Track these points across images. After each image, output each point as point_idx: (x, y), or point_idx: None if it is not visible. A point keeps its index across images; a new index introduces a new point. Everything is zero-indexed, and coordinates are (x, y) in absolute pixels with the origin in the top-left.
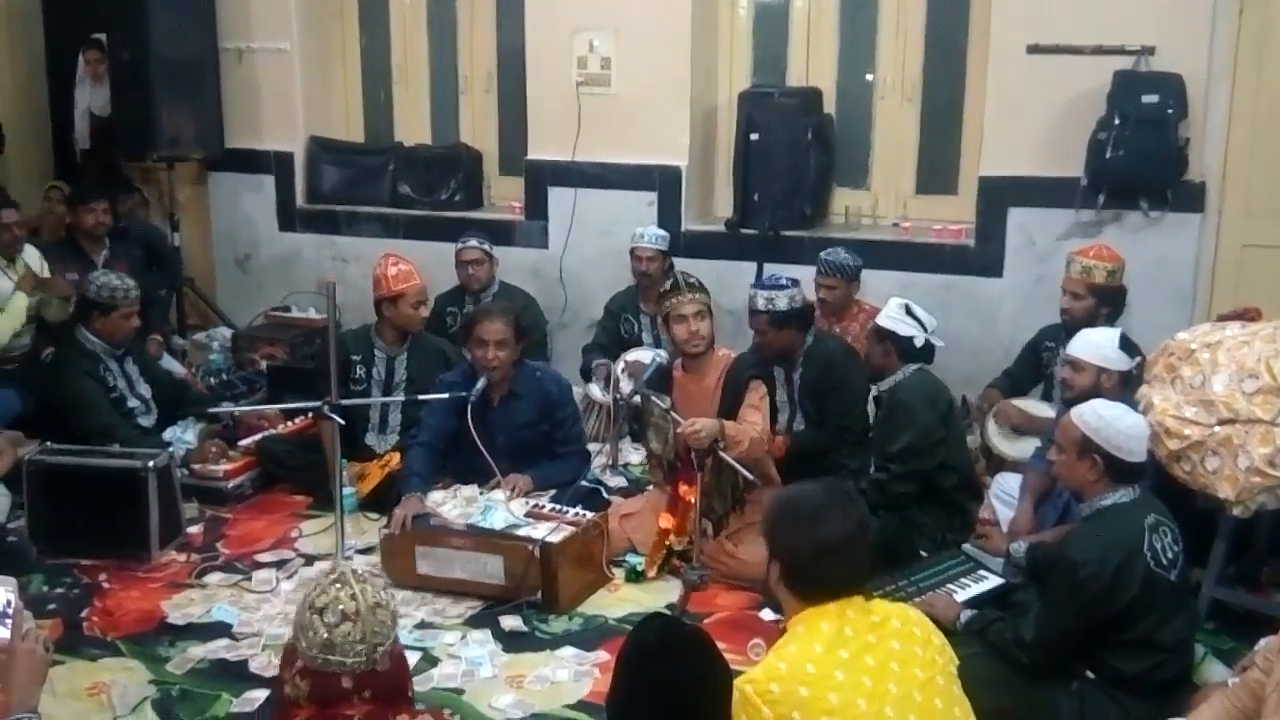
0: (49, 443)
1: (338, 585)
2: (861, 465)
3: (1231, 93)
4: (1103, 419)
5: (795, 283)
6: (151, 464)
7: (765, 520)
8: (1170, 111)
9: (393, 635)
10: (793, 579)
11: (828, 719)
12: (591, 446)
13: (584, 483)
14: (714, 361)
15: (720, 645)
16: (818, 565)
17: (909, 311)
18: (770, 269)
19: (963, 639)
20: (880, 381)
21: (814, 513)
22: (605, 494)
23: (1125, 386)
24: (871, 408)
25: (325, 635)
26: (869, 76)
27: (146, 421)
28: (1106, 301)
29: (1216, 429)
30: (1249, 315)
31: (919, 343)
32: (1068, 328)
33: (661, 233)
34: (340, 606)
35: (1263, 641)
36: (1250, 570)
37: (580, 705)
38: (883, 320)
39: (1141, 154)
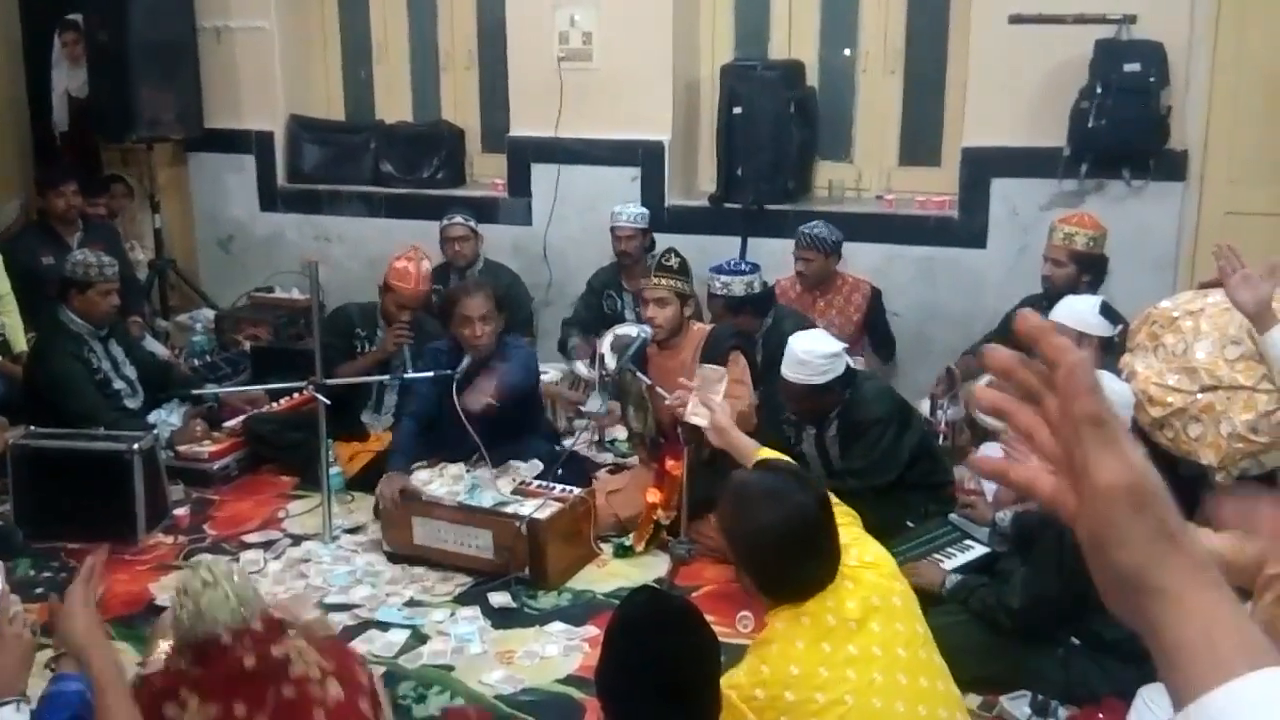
0: (33, 427)
1: (191, 568)
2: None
3: (1213, 60)
4: None
5: (755, 268)
6: (136, 446)
7: (722, 528)
8: (1152, 80)
9: (257, 603)
10: (763, 584)
11: (815, 719)
12: (578, 423)
13: (565, 446)
14: (690, 336)
15: (708, 618)
16: (785, 563)
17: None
18: (754, 244)
19: (948, 606)
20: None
21: (769, 504)
22: (592, 470)
23: (1106, 354)
24: None
25: (193, 607)
26: (851, 50)
27: (132, 404)
28: (1088, 269)
29: (1199, 396)
30: None
31: (850, 364)
32: (1049, 295)
33: (640, 211)
34: (197, 581)
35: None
36: None
37: (570, 680)
38: (816, 379)
39: (1124, 123)
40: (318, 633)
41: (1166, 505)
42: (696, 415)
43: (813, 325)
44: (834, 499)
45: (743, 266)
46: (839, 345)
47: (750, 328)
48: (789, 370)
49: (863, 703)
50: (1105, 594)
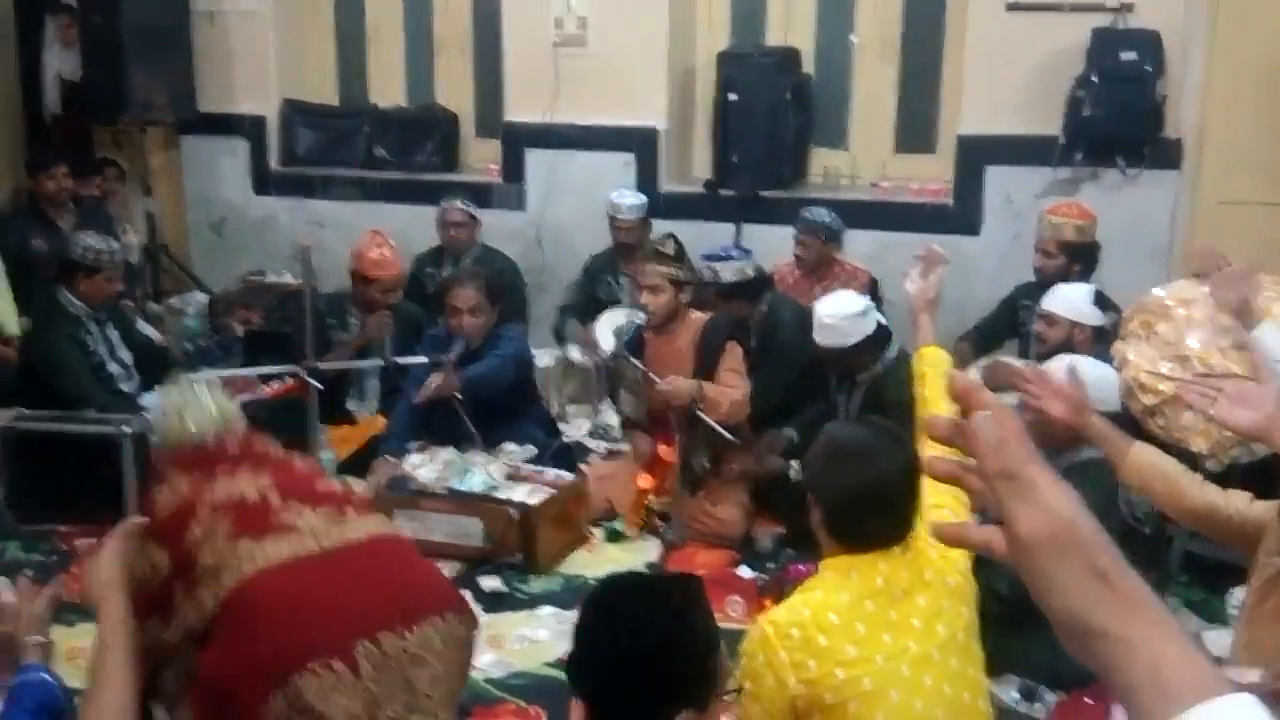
0: (22, 409)
1: (168, 389)
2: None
3: (1208, 50)
4: (1070, 372)
5: (746, 254)
6: (127, 429)
7: (808, 460)
8: (1148, 69)
9: (237, 414)
10: (833, 526)
11: (842, 670)
12: (571, 409)
13: (562, 440)
14: (686, 324)
15: None
16: (862, 513)
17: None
18: (748, 230)
19: None
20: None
21: (860, 455)
22: (587, 456)
23: (1099, 342)
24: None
25: (178, 425)
26: (849, 36)
27: (128, 387)
28: (1078, 258)
29: None
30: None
31: (881, 322)
32: (1041, 285)
33: (639, 201)
34: (177, 400)
35: None
36: None
37: (560, 663)
38: (843, 341)
39: (1119, 111)
40: None
41: (1095, 547)
42: (910, 282)
43: (808, 315)
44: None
45: (733, 253)
46: (863, 303)
47: (744, 314)
48: (817, 337)
49: (893, 667)
50: (1060, 638)
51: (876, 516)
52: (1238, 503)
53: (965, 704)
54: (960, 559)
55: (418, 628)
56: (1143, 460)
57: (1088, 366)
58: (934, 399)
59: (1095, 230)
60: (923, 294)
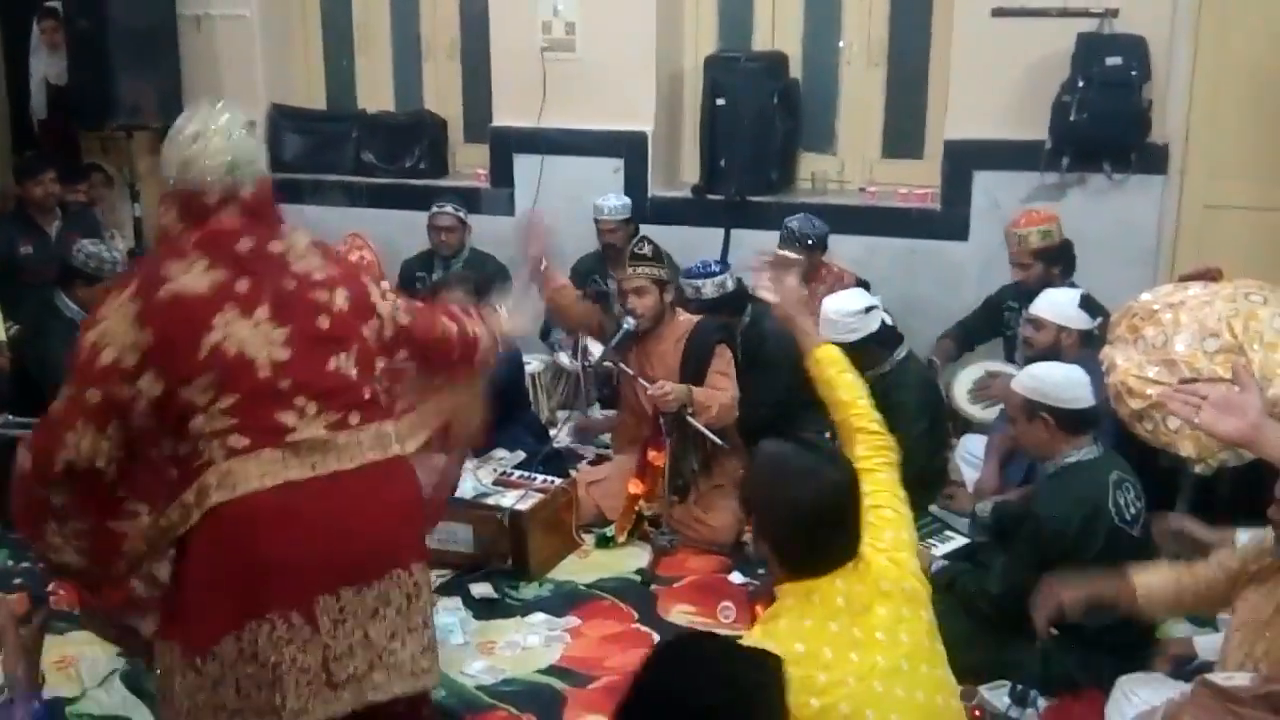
0: (9, 416)
1: (190, 112)
2: (822, 430)
3: (1194, 55)
4: (1037, 377)
5: (726, 267)
6: None
7: (745, 489)
8: (1134, 74)
9: (255, 161)
10: (786, 553)
11: (816, 699)
12: (560, 414)
13: (552, 446)
14: (673, 325)
15: (690, 608)
16: (810, 538)
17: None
18: (736, 235)
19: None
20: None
21: (800, 479)
22: (576, 462)
23: (1086, 346)
24: None
25: (180, 154)
26: (836, 41)
27: None
28: (1054, 261)
29: None
30: (1210, 275)
31: (887, 323)
32: (1026, 294)
33: (622, 203)
34: (190, 129)
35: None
36: (1211, 525)
37: (551, 670)
38: (849, 336)
39: (1105, 116)
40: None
41: None
42: (764, 290)
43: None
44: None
45: (714, 268)
46: (869, 301)
47: (731, 324)
48: (823, 332)
49: (865, 686)
50: None
51: (828, 535)
52: (1223, 558)
53: (939, 707)
54: (912, 561)
55: (379, 583)
56: (1150, 592)
57: (1050, 369)
58: (850, 400)
59: (1061, 229)
60: (786, 299)
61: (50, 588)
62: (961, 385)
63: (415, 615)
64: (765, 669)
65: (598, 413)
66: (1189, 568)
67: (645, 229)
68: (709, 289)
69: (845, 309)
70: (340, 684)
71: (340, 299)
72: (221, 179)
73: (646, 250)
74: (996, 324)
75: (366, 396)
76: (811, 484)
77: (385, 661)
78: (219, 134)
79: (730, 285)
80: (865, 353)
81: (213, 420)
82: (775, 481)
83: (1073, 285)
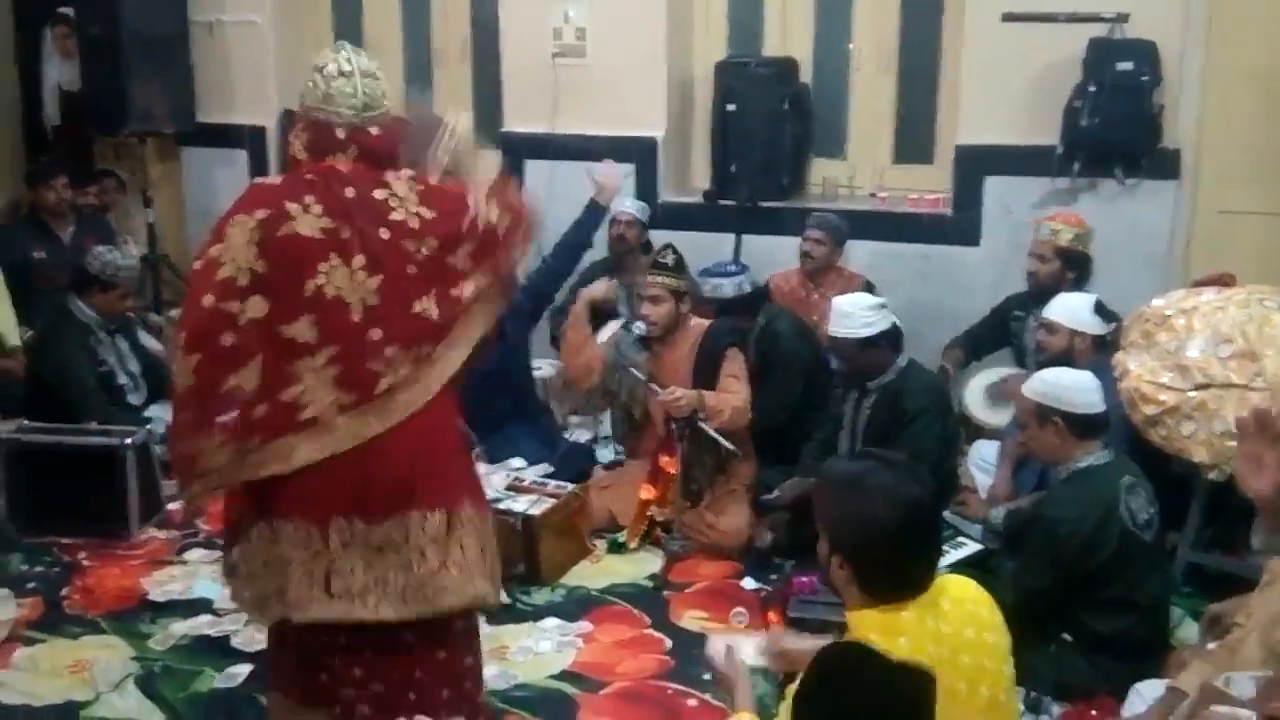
0: (24, 421)
1: (335, 50)
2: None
3: (1205, 59)
4: (1047, 382)
5: (744, 269)
6: (129, 441)
7: (825, 516)
8: (1145, 79)
9: (384, 105)
10: (867, 581)
11: None
12: (574, 419)
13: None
14: (686, 332)
15: (702, 614)
16: (897, 562)
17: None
18: (747, 240)
19: None
20: (869, 380)
21: (886, 499)
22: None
23: (1099, 351)
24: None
25: (323, 88)
26: (846, 46)
27: (135, 399)
28: (1072, 266)
29: (1192, 394)
30: (1224, 281)
31: (897, 324)
32: (1033, 293)
33: (641, 204)
34: (335, 66)
35: (1235, 600)
36: (1225, 533)
37: (564, 675)
38: (861, 330)
39: (1116, 121)
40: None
41: None
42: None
43: (806, 325)
44: None
45: (731, 268)
46: (881, 299)
47: (743, 328)
48: (836, 327)
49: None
50: None
51: (913, 560)
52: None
53: None
54: (995, 615)
55: (388, 522)
56: None
57: (1060, 373)
58: None
59: (1090, 243)
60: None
61: (64, 592)
62: (973, 391)
63: (416, 552)
64: (924, 677)
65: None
66: (1227, 649)
67: (656, 234)
68: (728, 288)
69: (860, 303)
70: (337, 595)
71: (427, 248)
72: (353, 119)
73: (669, 260)
74: (1003, 333)
75: (440, 323)
76: (897, 499)
77: (379, 588)
78: (359, 75)
79: (747, 287)
80: (877, 351)
81: (318, 371)
82: (857, 498)
83: (1086, 291)
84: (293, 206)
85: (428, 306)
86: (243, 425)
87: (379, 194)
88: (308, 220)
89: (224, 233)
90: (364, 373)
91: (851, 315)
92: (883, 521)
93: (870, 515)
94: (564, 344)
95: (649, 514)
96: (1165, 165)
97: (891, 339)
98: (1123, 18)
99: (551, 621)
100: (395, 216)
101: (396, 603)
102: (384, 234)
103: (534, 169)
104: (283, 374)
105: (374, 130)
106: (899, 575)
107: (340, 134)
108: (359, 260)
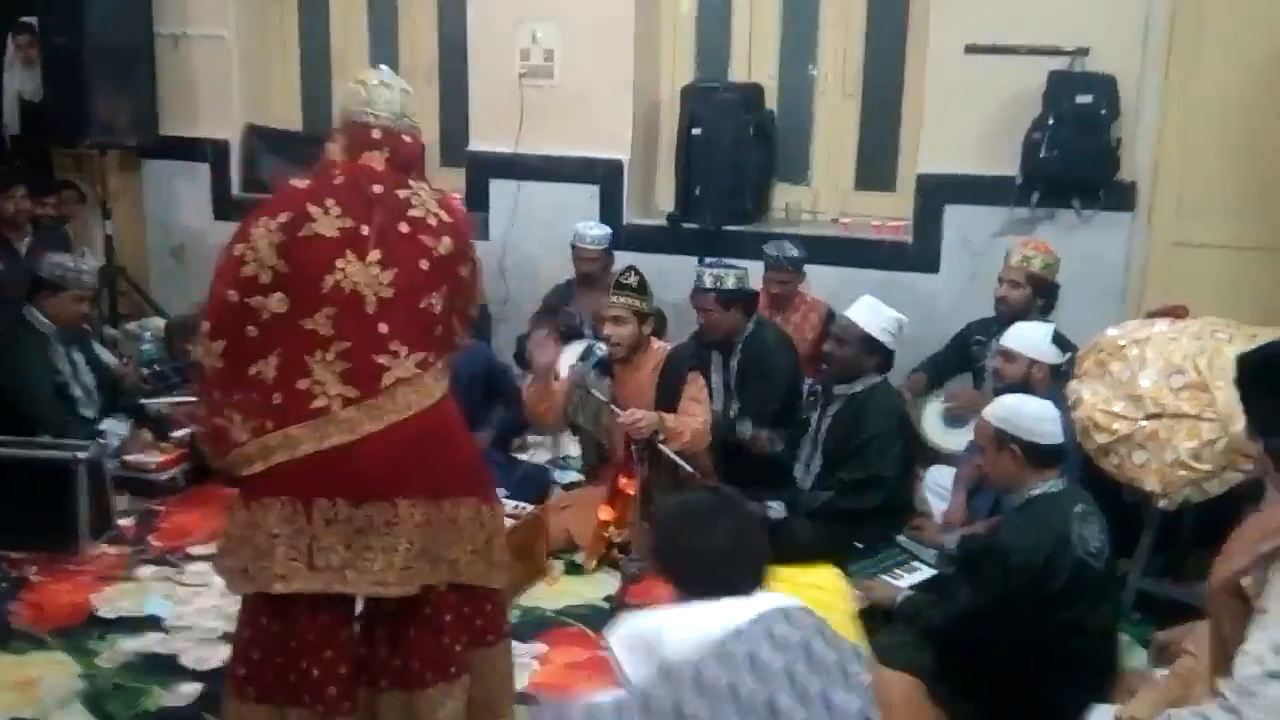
0: None
1: (375, 68)
2: (799, 454)
3: (1163, 94)
4: (1009, 408)
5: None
6: (81, 456)
7: (652, 546)
8: (1103, 112)
9: (415, 119)
10: (682, 583)
11: None
12: (533, 439)
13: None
14: (649, 355)
15: None
16: (717, 569)
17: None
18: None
19: (897, 626)
20: (840, 383)
21: (701, 519)
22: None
23: (1055, 380)
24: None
25: (365, 94)
26: (811, 73)
27: (89, 411)
28: (1041, 293)
29: (1144, 423)
30: (1177, 313)
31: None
32: (1002, 317)
33: (604, 232)
34: (377, 78)
35: (1181, 628)
36: (1175, 561)
37: (518, 697)
38: (875, 332)
39: (1075, 153)
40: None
41: None
42: None
43: (791, 342)
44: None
45: (728, 261)
46: (903, 319)
47: (736, 327)
48: (858, 312)
49: None
50: None
51: (731, 568)
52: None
53: None
54: (840, 590)
55: (368, 506)
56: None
57: (1022, 401)
58: None
59: (1058, 270)
60: None
61: (11, 607)
62: (929, 416)
63: (397, 537)
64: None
65: (570, 438)
66: (1176, 676)
67: (620, 256)
68: (730, 280)
69: (888, 312)
70: (319, 569)
71: (444, 246)
72: (389, 122)
73: (632, 281)
74: (964, 358)
75: (439, 334)
76: (718, 524)
77: (357, 565)
78: (397, 89)
79: (747, 284)
80: (870, 357)
81: (328, 364)
82: (683, 523)
83: (1048, 320)
84: (314, 209)
85: (434, 303)
86: (262, 409)
87: (402, 193)
88: (328, 221)
89: (248, 233)
90: (370, 365)
91: (876, 312)
92: (696, 540)
93: (686, 536)
94: (527, 393)
95: (607, 535)
96: (1122, 197)
97: (886, 357)
98: (1082, 52)
99: None
100: (415, 213)
101: (371, 583)
102: (403, 228)
103: (499, 188)
104: (299, 364)
105: (406, 138)
106: (708, 577)
107: (376, 134)
108: (375, 255)
